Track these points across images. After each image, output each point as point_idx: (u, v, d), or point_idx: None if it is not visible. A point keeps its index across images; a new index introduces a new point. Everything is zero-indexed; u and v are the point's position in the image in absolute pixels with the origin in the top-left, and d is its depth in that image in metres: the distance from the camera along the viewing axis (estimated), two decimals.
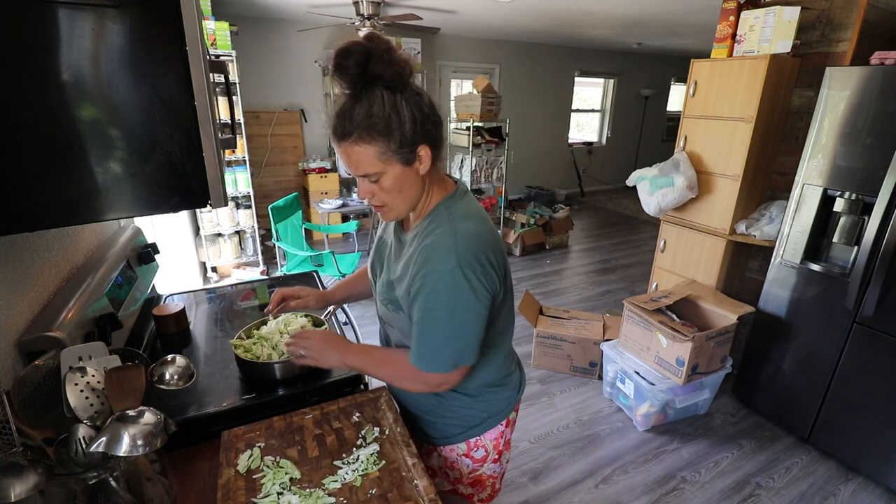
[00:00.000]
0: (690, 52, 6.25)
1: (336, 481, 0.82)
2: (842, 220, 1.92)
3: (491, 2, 3.75)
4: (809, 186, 2.01)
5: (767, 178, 2.48)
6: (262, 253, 4.02)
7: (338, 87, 0.76)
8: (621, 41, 5.98)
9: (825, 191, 1.96)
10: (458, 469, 1.05)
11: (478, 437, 1.02)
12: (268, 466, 0.85)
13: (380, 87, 0.74)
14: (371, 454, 0.88)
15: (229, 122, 1.88)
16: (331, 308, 1.38)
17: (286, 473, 0.83)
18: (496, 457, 1.06)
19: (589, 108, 7.77)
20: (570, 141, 7.49)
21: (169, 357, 0.85)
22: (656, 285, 2.88)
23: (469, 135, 4.44)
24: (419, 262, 0.82)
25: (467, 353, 0.86)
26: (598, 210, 6.83)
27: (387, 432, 0.95)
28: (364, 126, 0.74)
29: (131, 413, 0.68)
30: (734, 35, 2.27)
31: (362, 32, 3.72)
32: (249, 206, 3.87)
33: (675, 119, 8.08)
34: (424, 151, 0.80)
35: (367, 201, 0.84)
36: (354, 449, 0.90)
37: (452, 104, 4.95)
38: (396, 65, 0.74)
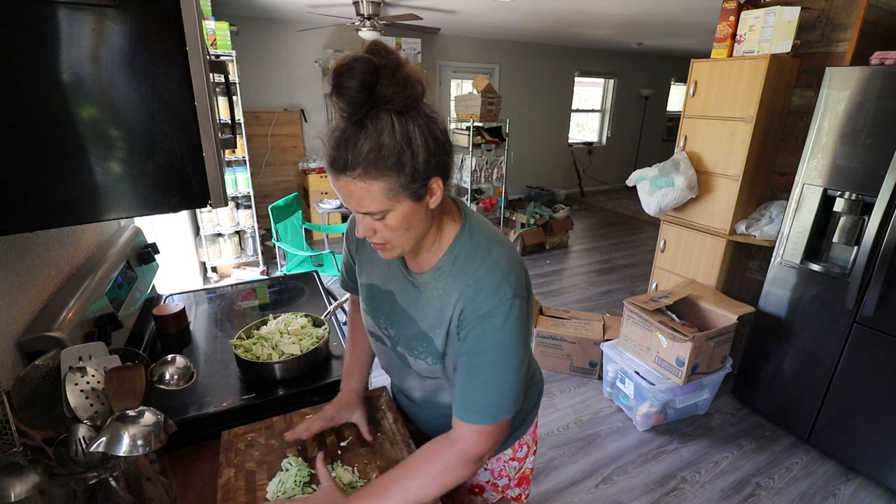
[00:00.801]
0: (690, 52, 6.25)
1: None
2: (842, 220, 1.92)
3: (491, 2, 3.75)
4: (809, 186, 2.01)
5: (767, 178, 2.48)
6: (262, 253, 4.02)
7: (337, 111, 0.64)
8: (621, 41, 5.98)
9: (825, 191, 1.96)
10: (506, 475, 1.01)
11: (522, 437, 0.99)
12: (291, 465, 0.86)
13: (389, 112, 0.62)
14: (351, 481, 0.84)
15: (229, 122, 1.88)
16: (330, 308, 1.38)
17: (299, 471, 0.84)
18: (535, 448, 1.05)
19: (589, 108, 7.77)
20: (570, 141, 7.49)
21: (169, 357, 0.85)
22: (656, 285, 2.88)
23: (469, 135, 4.44)
24: (466, 303, 0.72)
25: (523, 388, 0.76)
26: (598, 210, 6.83)
27: (387, 432, 0.95)
28: (371, 160, 0.61)
29: (131, 413, 0.68)
30: (734, 35, 2.27)
31: (362, 33, 3.73)
32: (249, 206, 3.87)
33: (675, 119, 8.08)
34: (437, 184, 0.68)
35: (368, 239, 0.73)
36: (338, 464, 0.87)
37: (452, 104, 4.95)
38: (409, 85, 0.62)
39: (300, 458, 0.87)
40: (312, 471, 0.84)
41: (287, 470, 0.84)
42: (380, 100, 0.61)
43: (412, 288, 0.80)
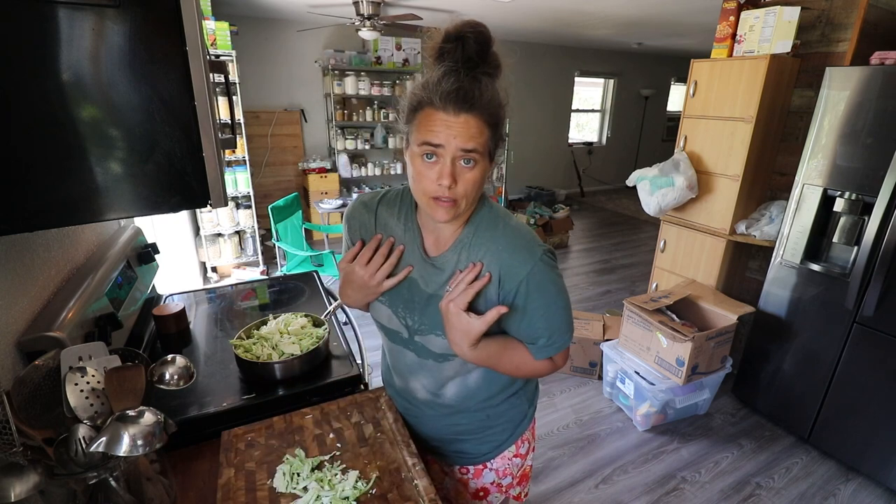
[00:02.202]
0: (690, 52, 6.24)
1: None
2: (842, 220, 1.92)
3: (491, 2, 3.75)
4: (809, 186, 2.01)
5: (767, 178, 2.48)
6: (262, 253, 4.02)
7: (444, 65, 0.69)
8: (621, 41, 5.98)
9: (825, 191, 1.96)
10: (510, 473, 1.01)
11: (524, 432, 1.00)
12: (300, 460, 0.86)
13: (492, 76, 0.71)
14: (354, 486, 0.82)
15: (229, 122, 1.88)
16: (330, 308, 1.38)
17: (301, 463, 0.85)
18: (534, 444, 1.06)
19: (589, 108, 7.77)
20: (570, 141, 7.49)
21: (169, 357, 0.85)
22: (656, 285, 2.88)
23: None
24: (503, 268, 0.76)
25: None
26: (598, 210, 6.83)
27: (387, 432, 0.95)
28: (489, 108, 0.69)
29: (131, 413, 0.68)
30: (734, 35, 2.27)
31: (362, 33, 3.73)
32: (249, 206, 3.87)
33: (675, 119, 8.08)
34: (498, 153, 0.76)
35: (440, 189, 0.70)
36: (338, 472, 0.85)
37: None
38: (499, 59, 0.72)
39: (302, 453, 0.87)
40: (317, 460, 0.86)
41: (289, 462, 0.85)
42: (489, 62, 0.70)
43: (433, 270, 0.82)
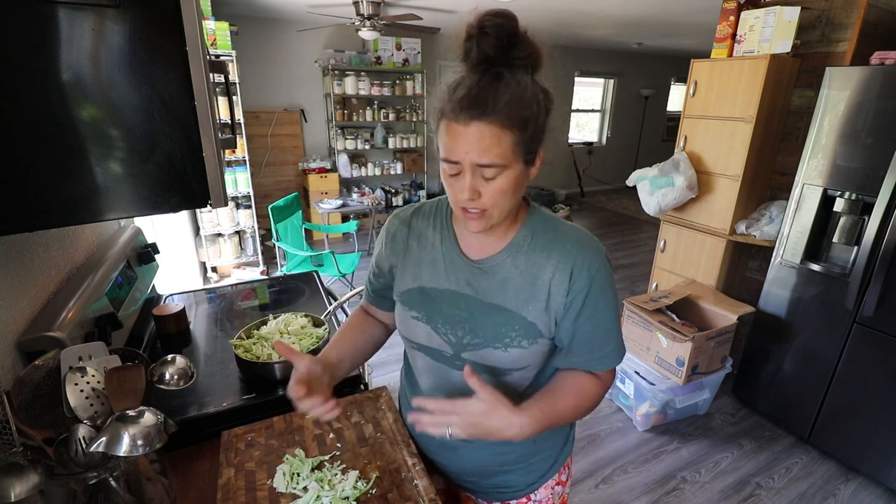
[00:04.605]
0: (690, 52, 6.24)
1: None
2: (842, 220, 1.92)
3: (491, 2, 3.76)
4: (809, 186, 2.01)
5: (767, 178, 2.48)
6: (262, 253, 4.02)
7: (471, 61, 0.64)
8: (621, 41, 5.98)
9: (825, 191, 1.96)
10: (552, 502, 0.94)
11: (566, 458, 0.93)
12: (301, 460, 0.86)
13: (526, 68, 0.64)
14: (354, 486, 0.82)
15: (229, 122, 1.88)
16: (330, 308, 1.38)
17: (301, 463, 0.85)
18: (571, 471, 0.99)
19: (589, 108, 7.77)
20: (570, 141, 7.49)
21: (169, 357, 0.85)
22: (656, 285, 2.88)
23: None
24: (575, 267, 0.72)
25: None
26: (598, 210, 6.83)
27: (387, 432, 0.95)
28: (508, 109, 0.61)
29: (131, 413, 0.68)
30: (734, 35, 2.27)
31: (362, 33, 3.73)
32: (249, 206, 3.87)
33: (675, 119, 8.08)
34: (541, 153, 0.69)
35: (465, 204, 0.67)
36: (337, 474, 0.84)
37: None
38: (535, 49, 0.64)
39: (302, 453, 0.87)
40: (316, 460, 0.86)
41: (289, 462, 0.85)
42: (516, 54, 0.62)
43: (481, 274, 0.77)
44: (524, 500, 0.91)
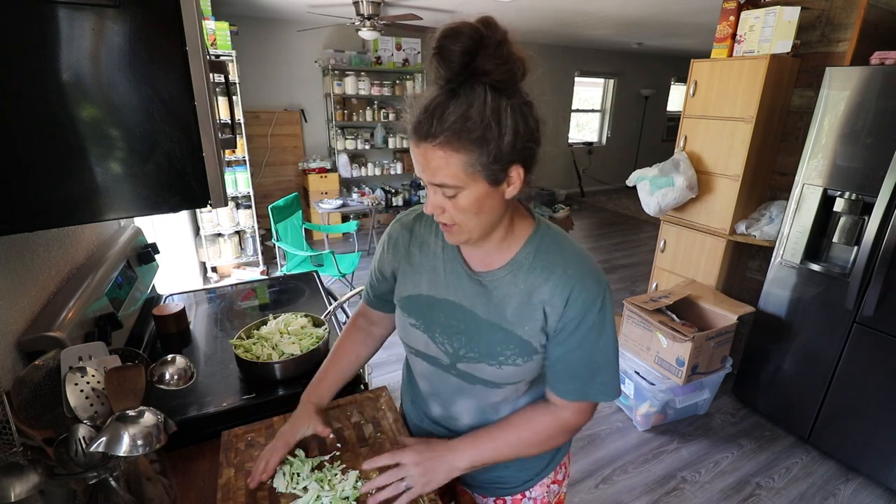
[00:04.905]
0: (690, 52, 6.24)
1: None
2: (842, 220, 1.92)
3: (491, 2, 3.75)
4: (809, 186, 2.01)
5: (767, 178, 2.48)
6: (262, 253, 4.02)
7: (434, 74, 0.62)
8: (621, 41, 5.98)
9: (825, 191, 1.96)
10: (548, 501, 0.94)
11: (563, 457, 0.94)
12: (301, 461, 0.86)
13: (485, 85, 0.60)
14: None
15: (229, 122, 1.88)
16: (330, 308, 1.38)
17: (301, 463, 0.85)
18: (569, 469, 1.01)
19: (589, 108, 7.77)
20: (570, 141, 7.49)
21: (169, 357, 0.85)
22: (656, 285, 2.88)
23: None
24: (573, 291, 0.71)
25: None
26: (598, 210, 6.83)
27: (387, 432, 0.95)
28: (455, 129, 0.60)
29: (131, 413, 0.68)
30: (734, 35, 2.27)
31: (362, 33, 3.72)
32: (249, 206, 3.87)
33: (675, 119, 8.08)
34: (516, 172, 0.65)
35: (435, 217, 0.70)
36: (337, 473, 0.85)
37: None
38: (510, 62, 0.60)
39: (302, 453, 0.87)
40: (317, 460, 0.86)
41: (289, 462, 0.84)
42: (478, 70, 0.59)
43: (480, 288, 0.76)
44: (519, 496, 0.92)
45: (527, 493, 0.92)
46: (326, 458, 0.87)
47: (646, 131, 8.14)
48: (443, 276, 0.79)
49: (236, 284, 1.68)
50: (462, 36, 0.58)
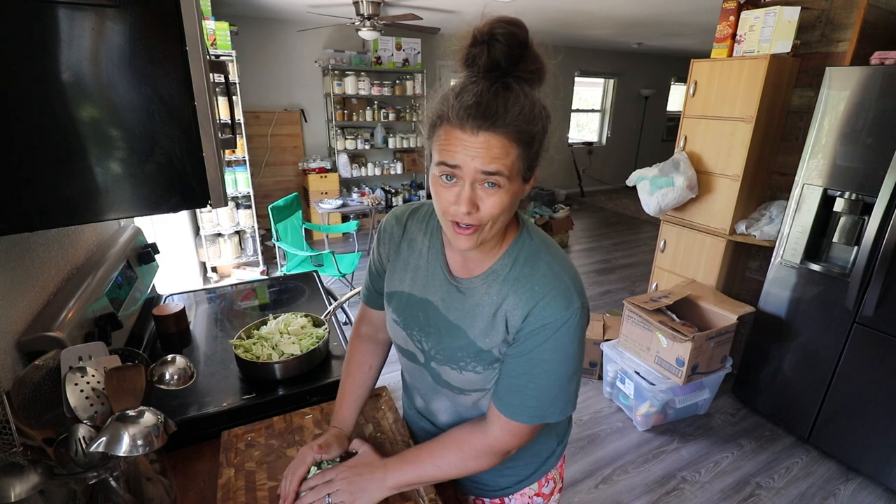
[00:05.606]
0: (690, 52, 6.24)
1: None
2: (842, 220, 1.92)
3: (491, 2, 3.75)
4: (809, 186, 2.01)
5: (767, 178, 2.48)
6: (262, 253, 4.02)
7: (476, 68, 0.60)
8: (621, 41, 5.98)
9: (825, 191, 1.96)
10: None
11: (549, 471, 0.91)
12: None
13: (528, 83, 0.61)
14: None
15: (229, 122, 1.88)
16: (330, 308, 1.38)
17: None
18: (561, 485, 0.96)
19: (589, 108, 7.77)
20: (570, 141, 7.49)
21: (169, 357, 0.85)
22: (656, 285, 2.88)
23: None
24: (533, 310, 0.68)
25: (574, 397, 0.74)
26: (598, 210, 6.83)
27: (387, 432, 0.95)
28: (518, 123, 0.58)
29: (131, 413, 0.68)
30: (734, 35, 2.27)
31: (362, 33, 3.73)
32: (249, 206, 3.87)
33: (675, 119, 8.08)
34: (536, 172, 0.66)
35: (458, 213, 0.63)
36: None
37: None
38: (541, 63, 0.61)
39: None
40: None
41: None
42: (524, 67, 0.60)
43: (457, 294, 0.75)
44: (497, 501, 0.91)
45: (506, 500, 0.91)
46: (326, 458, 0.87)
47: (646, 131, 8.14)
48: (425, 276, 0.79)
49: (236, 284, 1.68)
50: (519, 28, 0.58)
